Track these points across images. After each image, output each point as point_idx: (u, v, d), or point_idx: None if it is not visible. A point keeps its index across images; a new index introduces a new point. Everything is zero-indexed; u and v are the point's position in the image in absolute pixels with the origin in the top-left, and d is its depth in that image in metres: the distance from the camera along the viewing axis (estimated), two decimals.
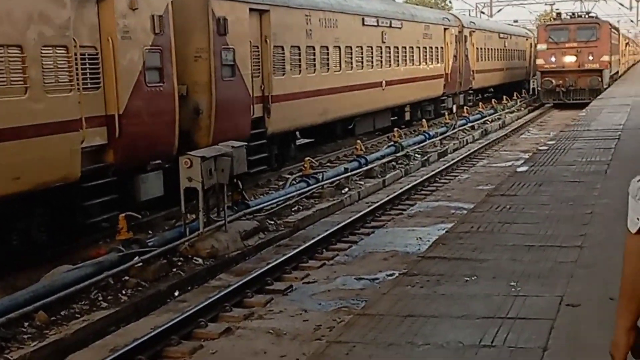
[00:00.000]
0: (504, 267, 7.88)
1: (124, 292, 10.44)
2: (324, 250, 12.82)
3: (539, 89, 41.00)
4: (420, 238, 13.34)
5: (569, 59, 39.41)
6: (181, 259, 11.80)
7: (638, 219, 2.70)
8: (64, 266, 10.48)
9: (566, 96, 39.65)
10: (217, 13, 16.12)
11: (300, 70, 20.30)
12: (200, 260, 11.87)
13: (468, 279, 7.50)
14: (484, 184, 18.54)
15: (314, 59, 21.20)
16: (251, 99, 17.63)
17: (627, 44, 69.12)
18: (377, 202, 16.47)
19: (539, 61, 40.74)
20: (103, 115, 12.73)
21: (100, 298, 10.15)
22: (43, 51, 11.27)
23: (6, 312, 8.82)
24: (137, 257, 10.92)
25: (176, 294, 10.69)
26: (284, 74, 19.29)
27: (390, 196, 17.03)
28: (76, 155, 11.83)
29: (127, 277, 10.72)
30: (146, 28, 13.58)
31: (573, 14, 43.39)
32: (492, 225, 9.76)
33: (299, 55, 20.27)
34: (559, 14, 43.28)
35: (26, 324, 9.08)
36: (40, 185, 11.25)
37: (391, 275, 10.82)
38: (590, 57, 39.20)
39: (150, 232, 13.28)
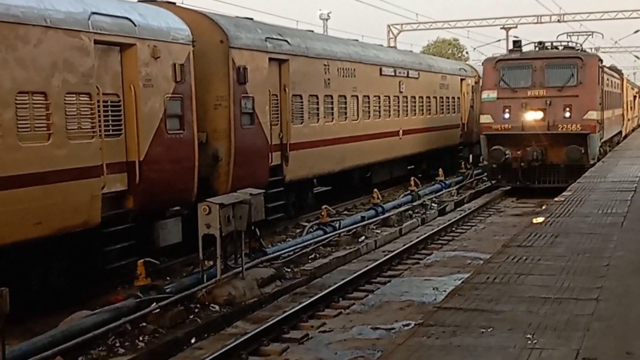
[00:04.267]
0: (520, 319, 7.87)
1: (141, 338, 10.49)
2: (340, 299, 12.84)
3: (484, 163, 26.70)
4: (436, 288, 13.34)
5: (533, 116, 24.83)
6: (198, 305, 11.87)
7: None
8: (82, 312, 10.57)
9: (528, 177, 25.27)
10: (238, 62, 16.39)
11: (318, 119, 20.52)
12: (217, 308, 11.93)
13: (484, 330, 7.50)
14: (500, 234, 18.53)
15: (332, 108, 21.42)
16: (269, 147, 17.80)
17: (637, 94, 51.65)
18: (394, 251, 16.49)
19: (485, 118, 25.77)
20: (124, 162, 12.90)
21: (117, 344, 10.21)
22: (67, 98, 11.50)
23: (24, 356, 8.90)
24: (154, 304, 10.99)
25: (193, 340, 10.72)
26: (302, 122, 19.50)
27: (407, 245, 17.06)
28: (97, 201, 11.99)
29: (144, 324, 10.78)
30: (168, 76, 13.83)
31: (540, 42, 27.19)
32: (508, 277, 9.76)
33: (317, 104, 20.50)
34: (517, 43, 27.02)
35: None
36: (61, 230, 11.39)
37: (407, 325, 10.82)
38: (568, 114, 24.61)
39: (168, 278, 13.37)
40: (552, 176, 25.10)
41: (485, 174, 27.61)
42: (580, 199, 16.75)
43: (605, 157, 27.48)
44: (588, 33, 32.12)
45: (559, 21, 52.11)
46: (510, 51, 26.93)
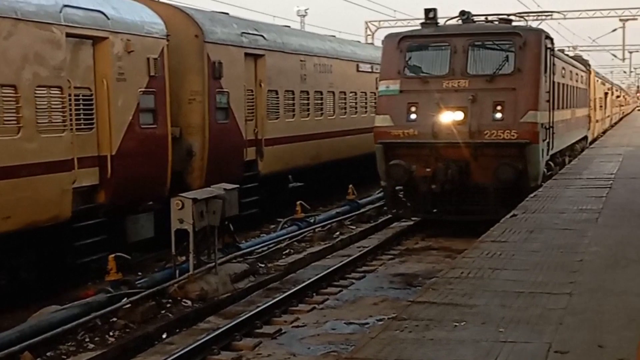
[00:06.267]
0: (493, 313, 7.84)
1: (111, 333, 10.37)
2: (314, 294, 12.78)
3: (382, 183, 18.02)
4: (410, 283, 13.31)
5: (449, 118, 17.02)
6: (170, 301, 11.76)
7: None
8: (52, 307, 10.42)
9: (442, 205, 17.52)
10: (213, 57, 16.27)
11: (294, 115, 20.44)
12: (190, 303, 11.83)
13: (457, 324, 7.46)
14: (475, 229, 18.49)
15: (308, 104, 21.36)
16: (244, 142, 17.71)
17: (608, 91, 45.51)
18: (368, 246, 16.44)
19: (381, 120, 17.65)
20: (96, 156, 12.76)
21: (87, 339, 10.08)
22: (37, 91, 11.35)
23: None
24: (125, 299, 10.87)
25: (164, 336, 10.61)
26: (277, 118, 19.41)
27: (382, 240, 17.01)
28: (67, 195, 11.85)
29: (115, 319, 10.66)
30: (141, 70, 13.70)
31: (463, 12, 18.68)
32: (482, 271, 9.73)
33: (293, 100, 20.42)
34: (430, 12, 18.22)
35: None
36: (31, 224, 11.25)
37: (381, 320, 10.78)
38: (499, 115, 16.93)
39: (139, 273, 13.23)
40: (476, 204, 17.24)
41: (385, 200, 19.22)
42: (555, 195, 16.79)
43: (548, 184, 18.23)
44: (547, 13, 25.46)
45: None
46: (423, 25, 18.47)
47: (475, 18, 18.75)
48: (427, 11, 18.26)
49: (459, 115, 16.96)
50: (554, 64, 19.21)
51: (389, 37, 18.47)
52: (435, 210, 17.63)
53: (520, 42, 17.28)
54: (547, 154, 18.74)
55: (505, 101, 16.92)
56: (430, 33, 17.95)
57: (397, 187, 17.80)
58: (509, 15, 19.12)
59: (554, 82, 19.18)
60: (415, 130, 17.16)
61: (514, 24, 18.94)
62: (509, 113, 16.87)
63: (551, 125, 18.80)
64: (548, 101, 18.24)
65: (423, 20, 18.29)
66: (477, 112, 16.90)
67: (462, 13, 18.66)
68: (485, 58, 17.52)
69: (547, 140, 18.41)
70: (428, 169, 17.04)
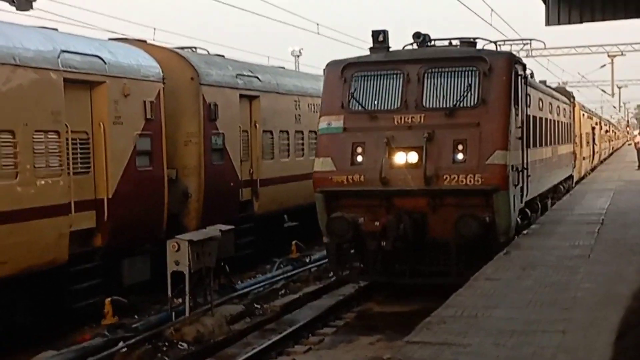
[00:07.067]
0: (488, 352, 7.91)
1: None
2: (310, 334, 12.81)
3: (325, 241, 14.66)
4: (406, 322, 13.33)
5: (402, 160, 14.12)
6: (166, 343, 11.77)
7: None
8: (48, 352, 10.46)
9: (394, 265, 14.42)
10: (208, 99, 16.46)
11: (289, 154, 20.60)
12: (186, 345, 11.83)
13: None
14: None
15: (303, 143, 21.54)
16: (240, 183, 17.84)
17: (596, 125, 42.23)
18: (364, 285, 16.47)
19: (321, 164, 14.52)
20: (92, 199, 12.86)
21: None
22: (35, 136, 11.47)
23: None
24: (121, 342, 10.91)
25: None
26: (272, 158, 19.57)
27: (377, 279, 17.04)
28: (64, 239, 11.91)
29: None
30: (138, 113, 13.86)
31: (418, 35, 15.30)
32: (476, 310, 9.80)
33: (288, 140, 20.60)
34: (379, 35, 15.12)
35: None
36: (27, 269, 11.29)
37: None
38: (460, 156, 14.01)
39: (136, 316, 13.25)
40: (435, 264, 14.41)
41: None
42: (548, 231, 16.90)
43: (524, 236, 15.49)
44: (525, 40, 22.18)
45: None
46: (371, 50, 15.42)
47: (438, 43, 15.84)
48: (376, 34, 15.21)
49: (412, 157, 14.14)
50: (527, 94, 16.31)
51: (331, 65, 15.23)
52: (387, 272, 14.52)
53: (485, 68, 14.35)
54: (521, 201, 15.80)
55: (467, 139, 14.08)
56: (379, 59, 14.93)
57: (338, 246, 14.62)
58: (474, 39, 15.98)
59: (528, 116, 16.36)
60: (361, 175, 14.25)
61: (480, 47, 16.00)
62: (472, 153, 14.01)
63: (525, 166, 15.83)
64: (520, 138, 15.32)
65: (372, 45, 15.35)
66: (435, 153, 14.05)
67: (417, 35, 15.36)
68: (444, 88, 14.53)
69: (520, 184, 15.41)
70: (377, 223, 14.06)
